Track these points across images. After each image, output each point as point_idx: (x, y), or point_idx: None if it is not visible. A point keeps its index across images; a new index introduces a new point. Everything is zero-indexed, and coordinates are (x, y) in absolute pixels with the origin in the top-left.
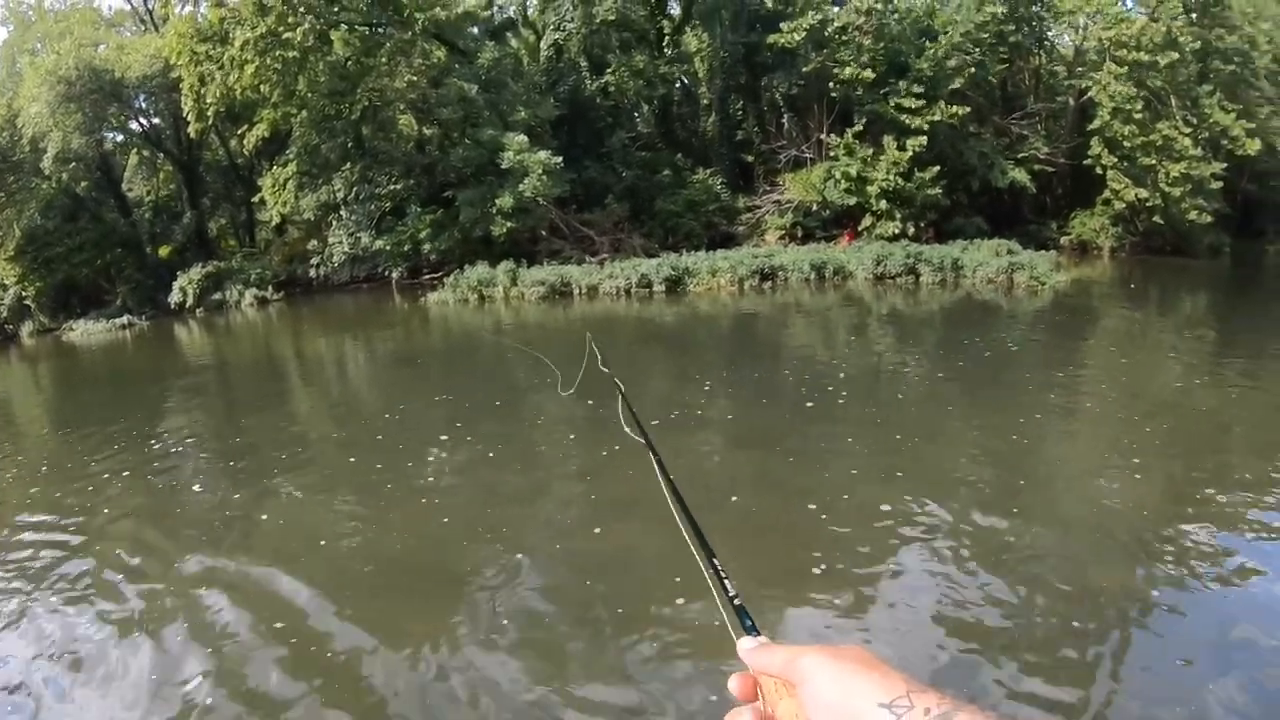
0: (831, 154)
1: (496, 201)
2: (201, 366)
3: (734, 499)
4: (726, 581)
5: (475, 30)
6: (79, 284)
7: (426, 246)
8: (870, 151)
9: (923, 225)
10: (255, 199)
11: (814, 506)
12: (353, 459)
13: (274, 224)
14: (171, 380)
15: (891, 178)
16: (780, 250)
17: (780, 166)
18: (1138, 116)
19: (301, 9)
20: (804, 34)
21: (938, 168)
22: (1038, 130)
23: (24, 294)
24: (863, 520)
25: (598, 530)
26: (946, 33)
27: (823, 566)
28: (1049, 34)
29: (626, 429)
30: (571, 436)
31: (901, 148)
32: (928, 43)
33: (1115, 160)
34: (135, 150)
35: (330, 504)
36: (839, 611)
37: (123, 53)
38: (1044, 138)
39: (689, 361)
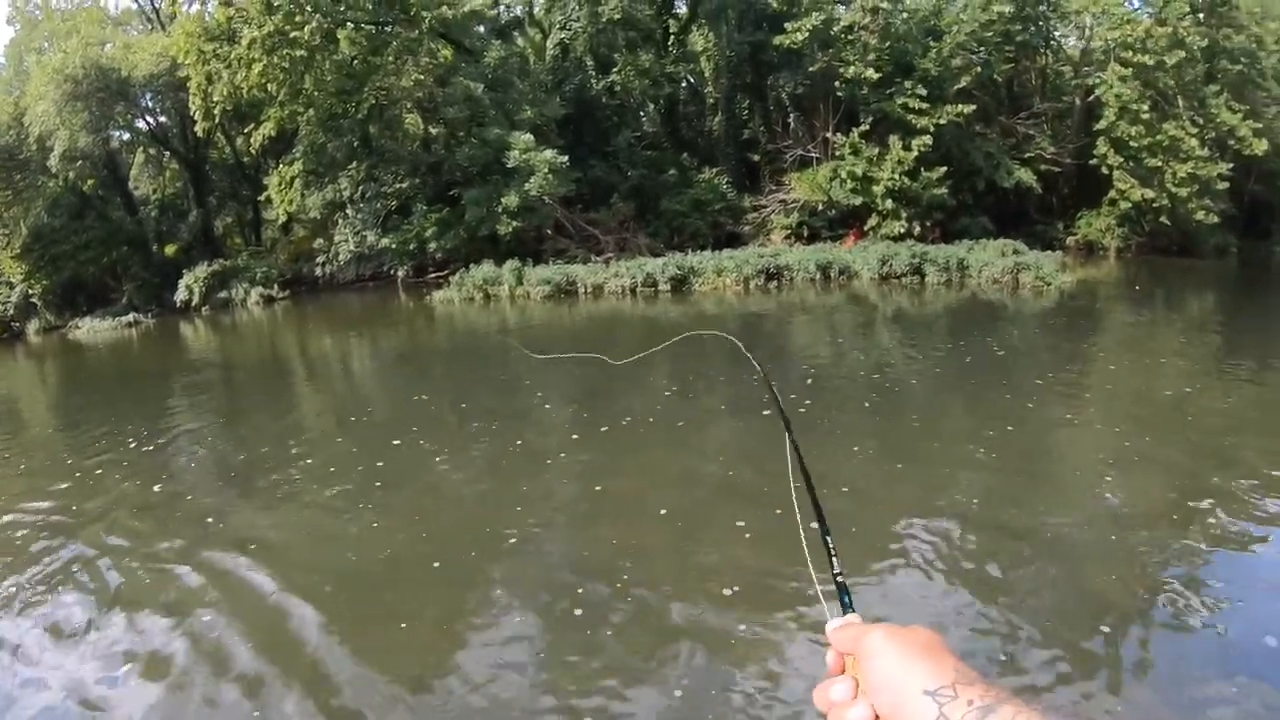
0: (837, 153)
1: (502, 200)
2: (206, 364)
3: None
4: (834, 559)
5: (481, 29)
6: (85, 282)
7: (432, 245)
8: (876, 151)
9: (928, 225)
10: (261, 197)
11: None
12: (356, 457)
13: (280, 222)
14: (177, 378)
15: (897, 177)
16: (786, 250)
17: (786, 166)
18: (1144, 117)
19: (309, 7)
20: (809, 33)
21: (943, 168)
22: (1044, 130)
23: (30, 291)
24: (864, 519)
25: (605, 532)
26: (952, 32)
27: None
28: (1055, 34)
29: (766, 412)
30: (574, 436)
31: (907, 147)
32: (933, 42)
33: (1121, 160)
34: (142, 149)
35: (333, 503)
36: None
37: (129, 51)
38: (1050, 138)
39: (697, 359)
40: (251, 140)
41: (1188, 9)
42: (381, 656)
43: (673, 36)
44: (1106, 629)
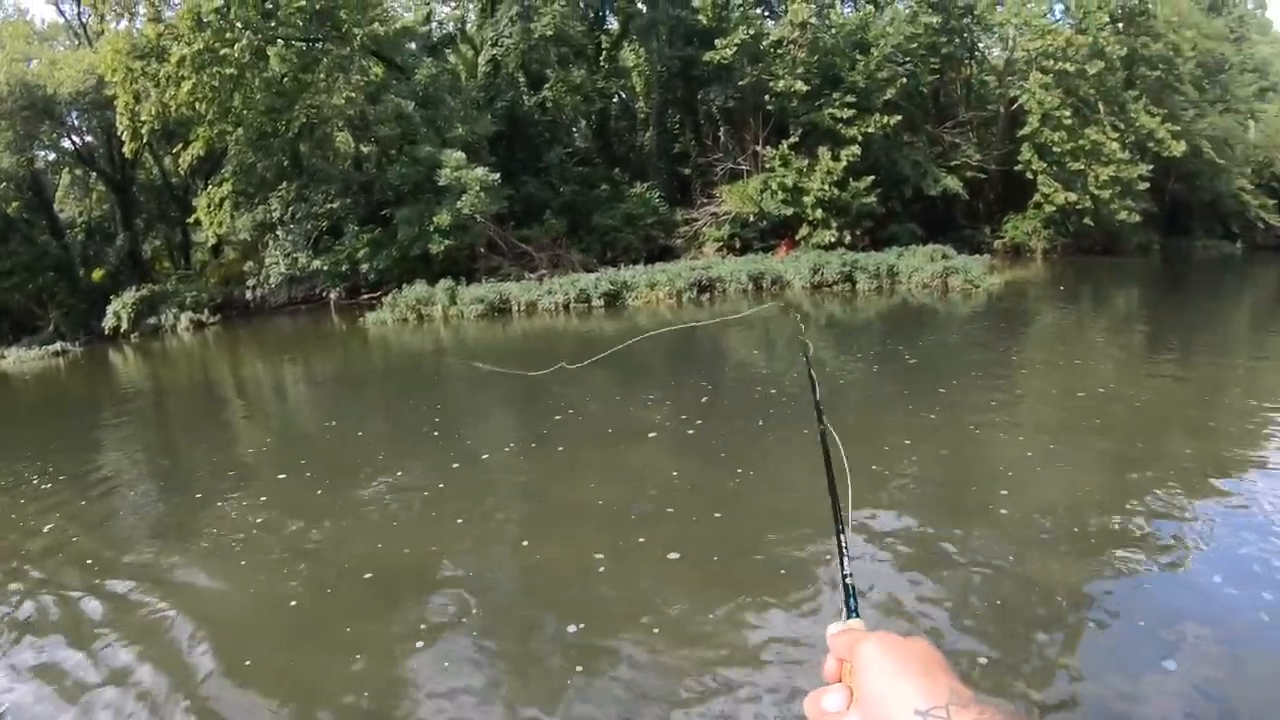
0: (767, 165)
1: (434, 219)
2: (137, 393)
3: (671, 508)
4: (845, 559)
5: (413, 46)
6: (10, 309)
7: (364, 266)
8: (806, 162)
9: (859, 233)
10: (190, 220)
11: (755, 510)
12: (290, 484)
13: (209, 245)
14: (106, 409)
15: (827, 187)
16: (718, 262)
17: (717, 179)
18: (1067, 123)
19: (239, 24)
20: (738, 48)
21: (872, 177)
22: (969, 138)
23: None
24: (806, 521)
25: (527, 545)
26: (879, 45)
27: (779, 570)
28: (979, 45)
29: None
30: (509, 447)
31: (836, 158)
32: (860, 55)
33: (1045, 165)
34: (67, 169)
35: (270, 527)
36: (791, 611)
37: (55, 68)
38: (975, 145)
39: (632, 374)
40: (180, 160)
41: (1107, 19)
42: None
43: (604, 52)
44: (1037, 621)
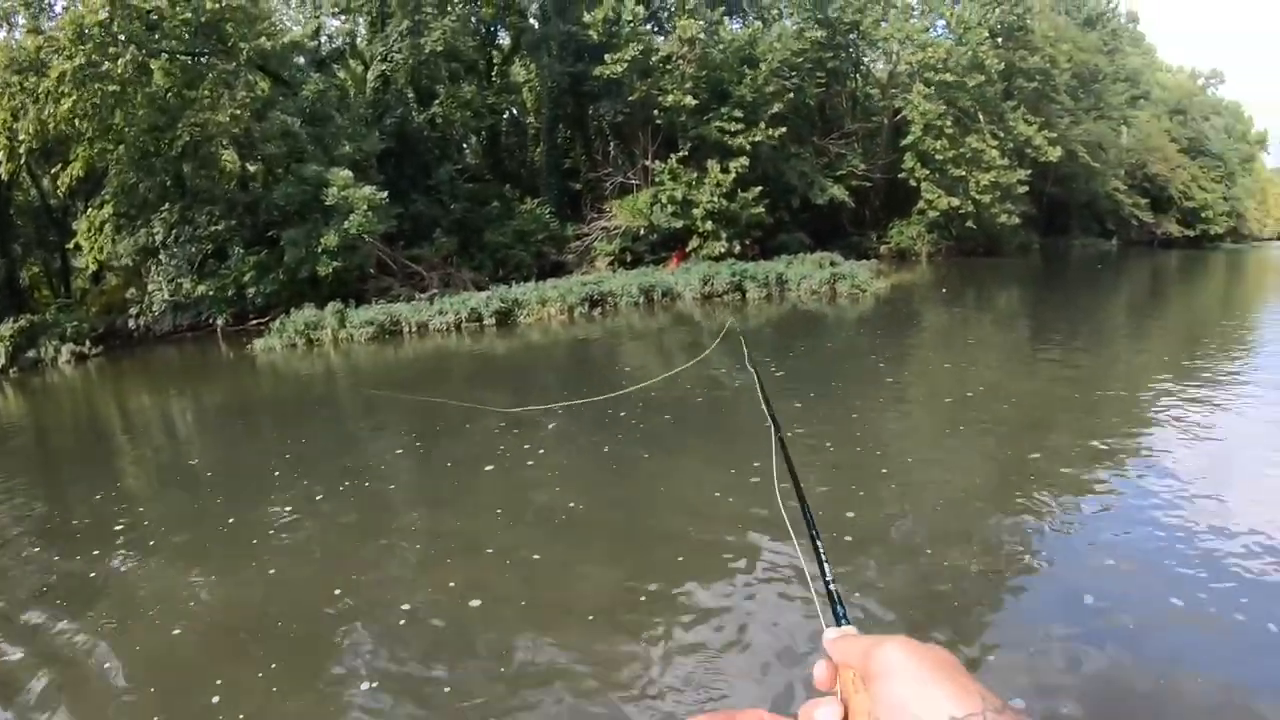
0: (657, 179)
1: (321, 240)
2: (15, 431)
3: (566, 514)
4: (826, 565)
5: (301, 60)
6: None
7: (251, 290)
8: (695, 175)
9: (748, 243)
10: (70, 244)
11: (655, 519)
12: (184, 522)
13: (90, 271)
14: None
15: (716, 199)
16: (609, 276)
17: (607, 193)
18: (948, 132)
19: (122, 37)
20: (628, 63)
21: (760, 188)
22: (855, 148)
23: None
24: (709, 525)
25: (452, 583)
26: (767, 60)
27: (691, 577)
28: (864, 59)
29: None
30: (407, 476)
31: (725, 170)
32: (748, 69)
33: (928, 173)
34: None
35: (164, 572)
36: (698, 614)
37: None
38: (861, 155)
39: (524, 391)
40: (59, 181)
41: (986, 34)
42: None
43: (495, 68)
44: (953, 609)
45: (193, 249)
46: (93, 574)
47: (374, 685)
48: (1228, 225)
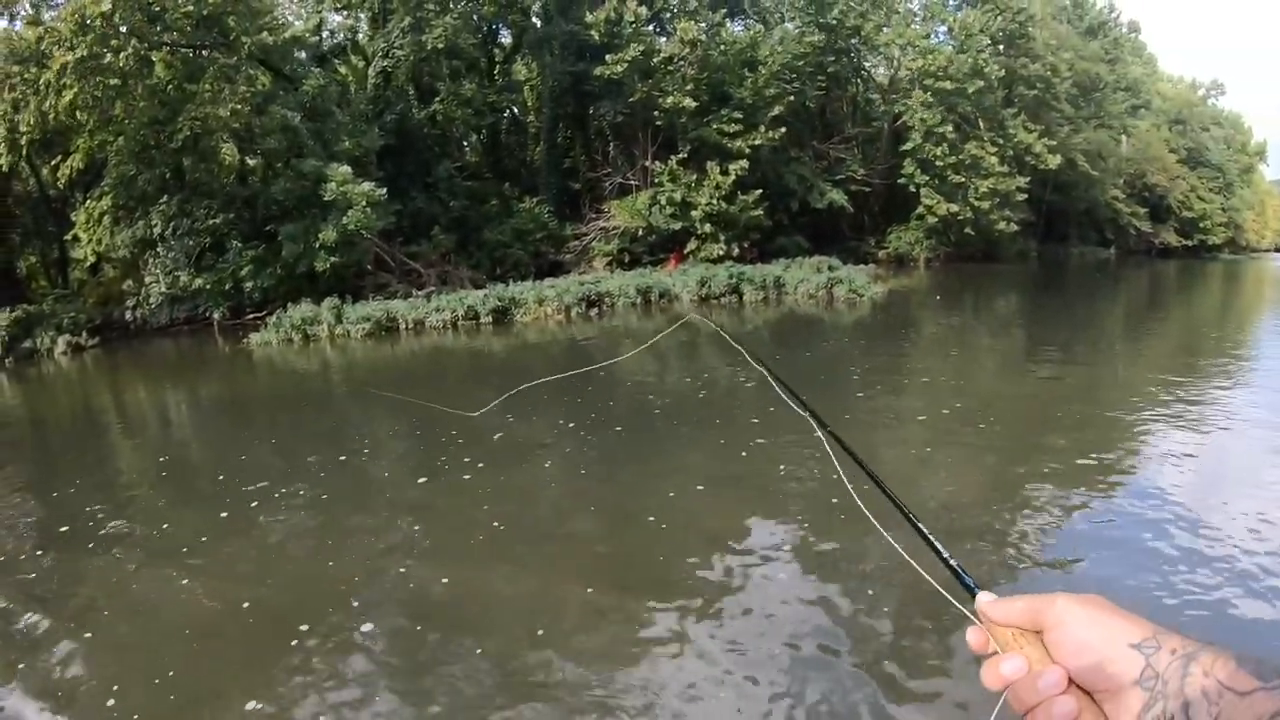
0: (656, 180)
1: (319, 235)
2: (9, 422)
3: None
4: (937, 543)
5: (302, 55)
6: None
7: (249, 284)
8: (694, 177)
9: (746, 246)
10: (69, 235)
11: (652, 520)
12: (181, 517)
13: (88, 263)
14: None
15: (715, 201)
16: (607, 276)
17: (606, 194)
18: (948, 138)
19: (124, 29)
20: (629, 64)
21: (759, 191)
22: (854, 153)
23: None
24: (700, 535)
25: (445, 580)
26: (768, 63)
27: (677, 586)
28: (865, 64)
29: (793, 406)
30: (421, 477)
31: (724, 172)
32: (749, 72)
33: (927, 179)
34: None
35: (161, 567)
36: (694, 618)
37: None
38: (860, 160)
39: (522, 391)
40: (59, 172)
41: (988, 41)
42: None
43: (497, 66)
44: (941, 617)
45: (190, 242)
46: (77, 565)
47: (364, 682)
48: (1226, 236)
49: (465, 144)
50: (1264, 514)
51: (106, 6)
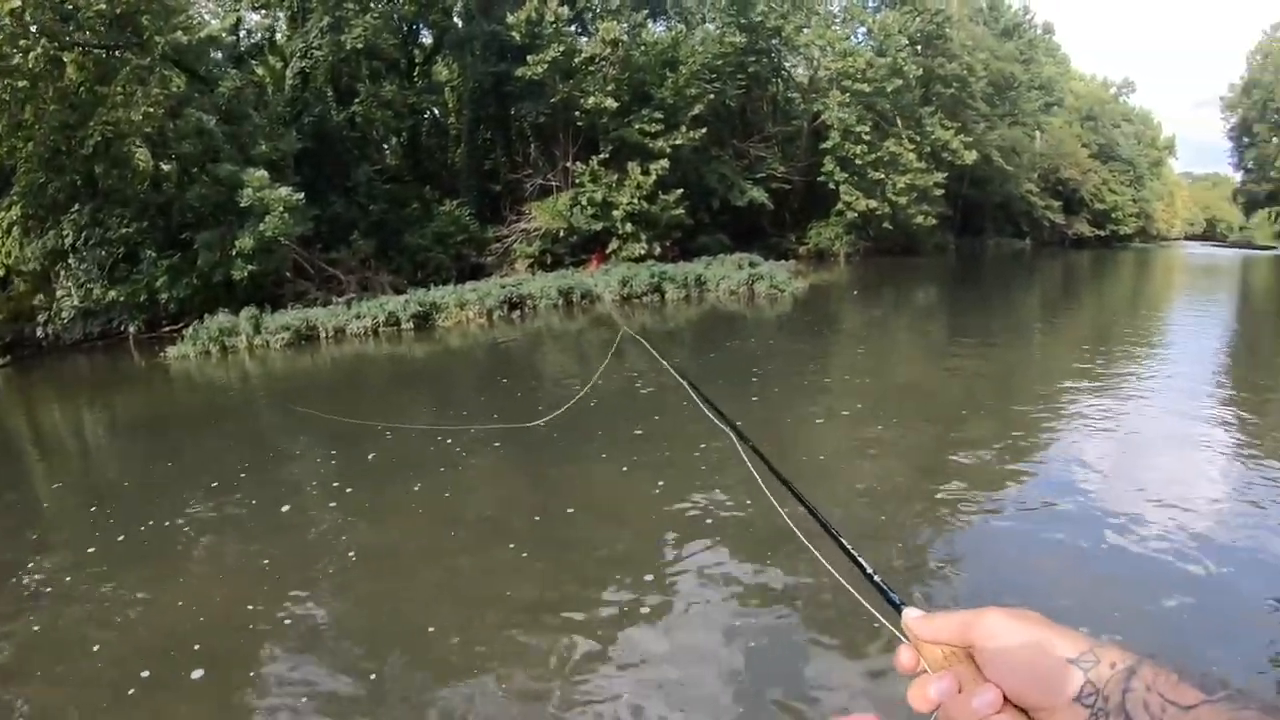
0: (577, 181)
1: (236, 243)
2: None
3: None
4: (861, 559)
5: (218, 56)
6: None
7: (164, 295)
8: (616, 177)
9: (668, 245)
10: None
11: (570, 534)
12: (94, 537)
13: None
14: None
15: (636, 201)
16: (529, 278)
17: (527, 195)
18: (866, 136)
19: (34, 28)
20: (550, 65)
21: (681, 190)
22: (775, 152)
23: None
24: (636, 524)
25: (373, 589)
26: (689, 63)
27: (621, 579)
28: (785, 64)
29: (717, 422)
30: (338, 485)
31: (645, 172)
32: (670, 72)
33: (847, 175)
34: None
35: (76, 589)
36: (634, 614)
37: None
38: (781, 158)
39: (444, 396)
40: None
41: (906, 42)
42: None
43: (417, 67)
44: (872, 604)
45: (103, 253)
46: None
47: (297, 697)
48: (1137, 226)
49: (385, 146)
50: (1185, 500)
51: (16, 4)
